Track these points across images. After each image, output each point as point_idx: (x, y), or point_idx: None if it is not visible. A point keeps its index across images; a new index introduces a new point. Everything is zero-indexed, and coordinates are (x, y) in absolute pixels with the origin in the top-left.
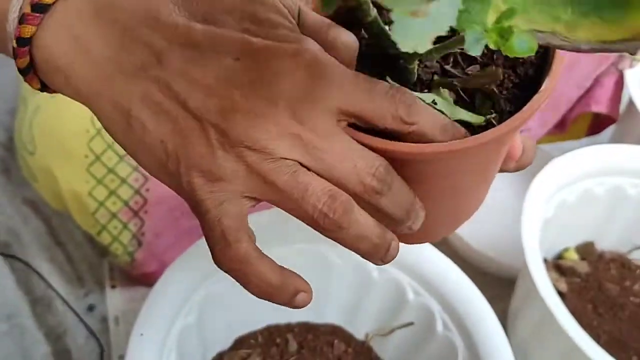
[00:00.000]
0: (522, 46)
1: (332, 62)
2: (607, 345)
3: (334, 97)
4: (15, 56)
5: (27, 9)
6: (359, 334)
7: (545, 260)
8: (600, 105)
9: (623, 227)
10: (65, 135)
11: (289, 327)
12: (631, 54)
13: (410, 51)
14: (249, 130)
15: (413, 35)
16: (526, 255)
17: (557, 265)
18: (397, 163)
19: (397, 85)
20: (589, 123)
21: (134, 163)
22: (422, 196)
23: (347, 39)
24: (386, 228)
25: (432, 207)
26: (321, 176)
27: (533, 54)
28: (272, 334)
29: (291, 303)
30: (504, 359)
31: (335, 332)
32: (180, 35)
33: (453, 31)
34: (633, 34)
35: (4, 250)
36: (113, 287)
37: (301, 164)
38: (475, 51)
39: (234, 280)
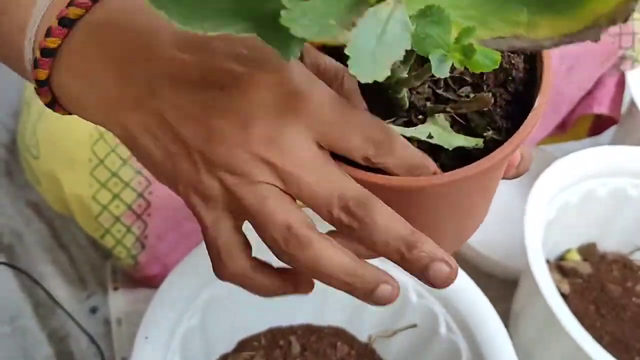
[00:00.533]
0: (486, 61)
1: (317, 91)
2: (609, 346)
3: (309, 127)
4: (38, 94)
5: (38, 54)
6: (362, 336)
7: (548, 262)
8: (601, 106)
9: (625, 228)
10: (68, 139)
11: (291, 329)
12: (594, 40)
13: (370, 80)
14: (228, 156)
15: (367, 65)
16: (529, 257)
17: (559, 267)
18: (385, 191)
19: (376, 118)
20: (591, 124)
21: (138, 166)
22: (420, 222)
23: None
24: (369, 267)
25: (430, 232)
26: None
27: (497, 66)
28: (275, 336)
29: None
30: None
31: (338, 334)
32: (172, 67)
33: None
34: (592, 20)
35: (7, 252)
36: (115, 289)
37: (280, 189)
38: (442, 73)
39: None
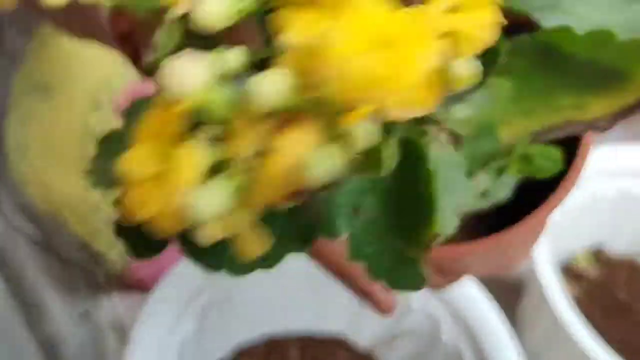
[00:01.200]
0: (548, 164)
1: None
2: (618, 350)
3: None
4: None
5: None
6: (363, 343)
7: (554, 265)
8: None
9: (632, 231)
10: (57, 137)
11: (290, 338)
12: None
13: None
14: None
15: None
16: (535, 260)
17: (566, 270)
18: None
19: None
20: None
21: None
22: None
23: None
24: None
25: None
26: None
27: (561, 166)
28: (273, 345)
29: None
30: None
31: (337, 341)
32: None
33: None
34: None
35: None
36: (107, 293)
37: None
38: (505, 192)
39: (233, 288)
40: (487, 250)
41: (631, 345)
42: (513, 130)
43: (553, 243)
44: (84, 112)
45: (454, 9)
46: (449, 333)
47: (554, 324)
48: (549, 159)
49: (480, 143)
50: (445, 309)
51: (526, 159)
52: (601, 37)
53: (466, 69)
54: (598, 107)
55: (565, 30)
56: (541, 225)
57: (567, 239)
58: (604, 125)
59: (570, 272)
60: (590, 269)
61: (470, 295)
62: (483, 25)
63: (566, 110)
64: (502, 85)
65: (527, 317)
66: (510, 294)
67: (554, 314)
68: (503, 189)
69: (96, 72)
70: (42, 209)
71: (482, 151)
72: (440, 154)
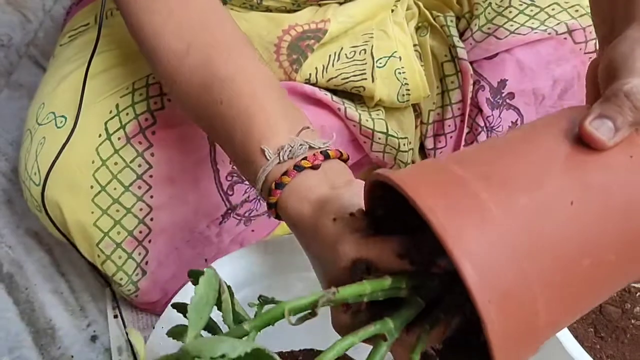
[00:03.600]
0: None
1: None
2: None
3: None
4: (268, 207)
5: (272, 186)
6: None
7: None
8: None
9: None
10: (70, 166)
11: (293, 355)
12: None
13: None
14: None
15: None
16: None
17: None
18: None
19: None
20: None
21: (139, 193)
22: None
23: None
24: None
25: None
26: None
27: None
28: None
29: None
30: None
31: (344, 359)
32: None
33: None
34: None
35: (7, 281)
36: (115, 316)
37: None
38: None
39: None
40: None
41: None
42: None
43: None
44: (96, 143)
45: None
46: None
47: (549, 342)
48: None
49: None
50: None
51: None
52: None
53: None
54: None
55: None
56: None
57: None
58: None
59: None
60: None
61: None
62: None
63: None
64: None
65: None
66: None
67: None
68: None
69: (107, 102)
70: (53, 234)
71: None
72: None
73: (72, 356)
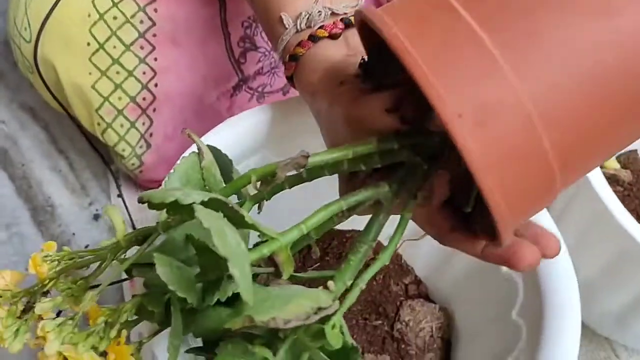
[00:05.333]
0: None
1: None
2: None
3: None
4: (288, 80)
5: (287, 58)
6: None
7: None
8: None
9: None
10: (64, 19)
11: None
12: None
13: None
14: None
15: None
16: None
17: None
18: None
19: None
20: None
21: (141, 54)
22: None
23: None
24: None
25: None
26: None
27: None
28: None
29: None
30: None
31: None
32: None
33: None
34: None
35: (2, 157)
36: (119, 196)
37: None
38: None
39: None
40: None
41: None
42: None
43: None
44: None
45: None
46: None
47: (598, 217)
48: None
49: None
50: None
51: None
52: None
53: None
54: None
55: None
56: None
57: None
58: None
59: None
60: (623, 173)
61: None
62: None
63: None
64: None
65: (560, 215)
66: None
67: (598, 206)
68: None
69: None
70: (49, 101)
71: None
72: None
73: (74, 234)
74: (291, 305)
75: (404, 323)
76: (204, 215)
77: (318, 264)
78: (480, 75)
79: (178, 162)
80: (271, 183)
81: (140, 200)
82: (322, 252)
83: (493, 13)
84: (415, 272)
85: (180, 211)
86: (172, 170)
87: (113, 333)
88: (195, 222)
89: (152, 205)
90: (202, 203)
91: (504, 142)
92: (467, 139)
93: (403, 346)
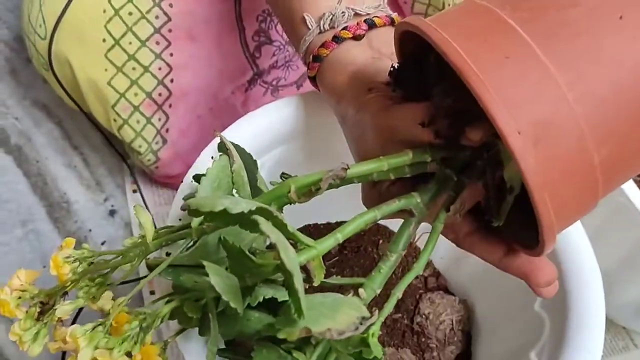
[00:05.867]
0: None
1: None
2: None
3: None
4: (311, 81)
5: (310, 59)
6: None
7: None
8: None
9: None
10: (79, 16)
11: (329, 226)
12: None
13: None
14: None
15: None
16: None
17: None
18: None
19: None
20: None
21: (157, 49)
22: None
23: None
24: None
25: None
26: None
27: None
28: (312, 234)
29: None
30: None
31: (379, 231)
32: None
33: None
34: None
35: (16, 153)
36: (135, 191)
37: None
38: None
39: None
40: None
41: None
42: None
43: None
44: None
45: None
46: None
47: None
48: None
49: None
50: None
51: None
52: None
53: None
54: None
55: None
56: None
57: None
58: None
59: None
60: None
61: None
62: None
63: None
64: None
65: None
66: None
67: (620, 197)
68: None
69: None
70: (64, 98)
71: None
72: None
73: (90, 230)
74: (340, 315)
75: (423, 316)
76: (269, 229)
77: (336, 257)
78: (538, 93)
79: (199, 159)
80: (313, 194)
81: (184, 208)
82: (339, 245)
83: (550, 31)
84: (434, 264)
85: (220, 219)
86: (204, 174)
87: (148, 338)
88: (231, 229)
89: (196, 213)
90: (250, 212)
91: (560, 160)
92: (526, 155)
93: (423, 339)
